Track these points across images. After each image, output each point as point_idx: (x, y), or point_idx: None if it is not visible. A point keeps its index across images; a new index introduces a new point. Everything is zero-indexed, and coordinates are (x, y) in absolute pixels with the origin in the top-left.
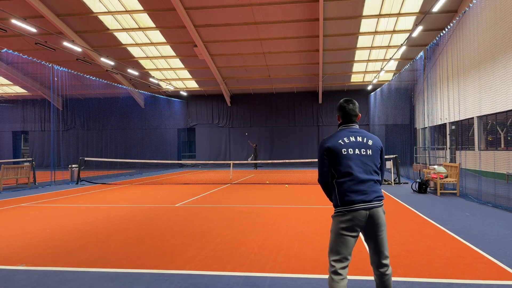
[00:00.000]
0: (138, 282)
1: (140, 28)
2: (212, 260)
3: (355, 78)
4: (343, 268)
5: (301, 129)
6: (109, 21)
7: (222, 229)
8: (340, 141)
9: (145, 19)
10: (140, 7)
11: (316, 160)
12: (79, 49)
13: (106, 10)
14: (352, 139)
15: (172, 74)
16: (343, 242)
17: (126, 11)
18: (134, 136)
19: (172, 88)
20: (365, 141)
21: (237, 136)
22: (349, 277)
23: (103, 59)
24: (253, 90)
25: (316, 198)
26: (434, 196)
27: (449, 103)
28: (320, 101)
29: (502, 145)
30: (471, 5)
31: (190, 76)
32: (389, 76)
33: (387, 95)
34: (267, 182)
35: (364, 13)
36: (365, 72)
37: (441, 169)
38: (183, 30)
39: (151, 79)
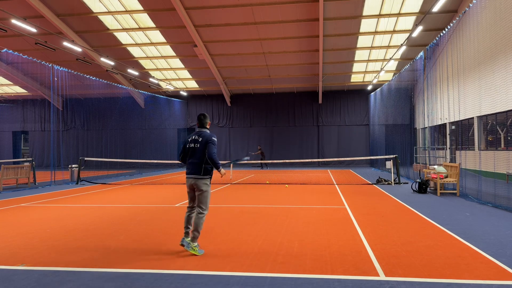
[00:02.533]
0: (138, 282)
1: (140, 28)
2: (212, 260)
3: (355, 78)
4: (190, 209)
5: (301, 129)
6: (109, 21)
7: (222, 229)
8: (189, 139)
9: (145, 19)
10: (140, 7)
11: (315, 159)
12: (79, 49)
13: (106, 10)
14: (193, 137)
15: (172, 74)
16: (188, 195)
17: (126, 11)
18: (134, 136)
19: (172, 88)
20: (197, 139)
21: (237, 136)
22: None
23: (103, 59)
24: (253, 90)
25: (317, 197)
26: (434, 196)
27: (449, 103)
28: (320, 101)
29: (502, 145)
30: (471, 5)
31: (190, 76)
32: (389, 76)
33: (387, 95)
34: (267, 182)
35: (364, 13)
36: (365, 72)
37: (441, 169)
38: (183, 30)
39: (151, 79)
